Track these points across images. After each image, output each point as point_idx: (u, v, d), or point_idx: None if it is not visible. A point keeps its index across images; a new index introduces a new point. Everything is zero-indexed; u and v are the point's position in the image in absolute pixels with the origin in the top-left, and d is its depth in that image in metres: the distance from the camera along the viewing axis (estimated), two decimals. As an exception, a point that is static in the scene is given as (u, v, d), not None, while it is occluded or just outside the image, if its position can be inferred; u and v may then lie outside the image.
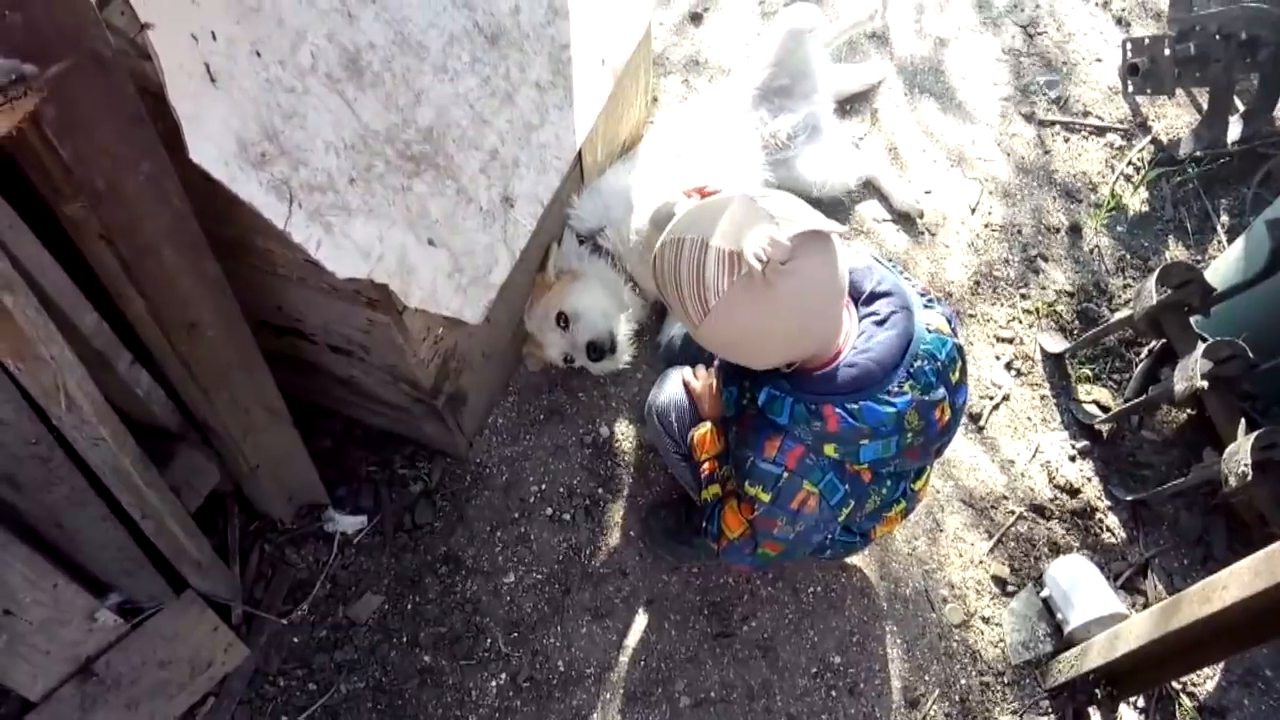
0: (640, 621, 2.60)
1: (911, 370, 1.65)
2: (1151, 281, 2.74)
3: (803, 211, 1.58)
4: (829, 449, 1.66)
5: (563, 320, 2.71)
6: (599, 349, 2.65)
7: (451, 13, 1.96)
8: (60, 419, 1.61)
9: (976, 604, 2.73)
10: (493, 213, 2.03)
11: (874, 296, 1.74)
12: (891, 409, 1.62)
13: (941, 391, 1.73)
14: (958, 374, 1.80)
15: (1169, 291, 2.74)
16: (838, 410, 1.61)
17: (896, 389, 1.63)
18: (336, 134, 1.78)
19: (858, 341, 1.67)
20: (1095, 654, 2.46)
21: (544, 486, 2.80)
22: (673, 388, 2.40)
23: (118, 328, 1.85)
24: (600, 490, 2.80)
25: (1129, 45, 3.57)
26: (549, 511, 2.75)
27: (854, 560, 2.73)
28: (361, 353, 2.31)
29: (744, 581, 2.68)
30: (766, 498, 1.72)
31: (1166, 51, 3.47)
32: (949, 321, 1.83)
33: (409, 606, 2.61)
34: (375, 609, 2.60)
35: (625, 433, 2.93)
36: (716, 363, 2.26)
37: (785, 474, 1.68)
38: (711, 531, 2.03)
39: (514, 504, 2.77)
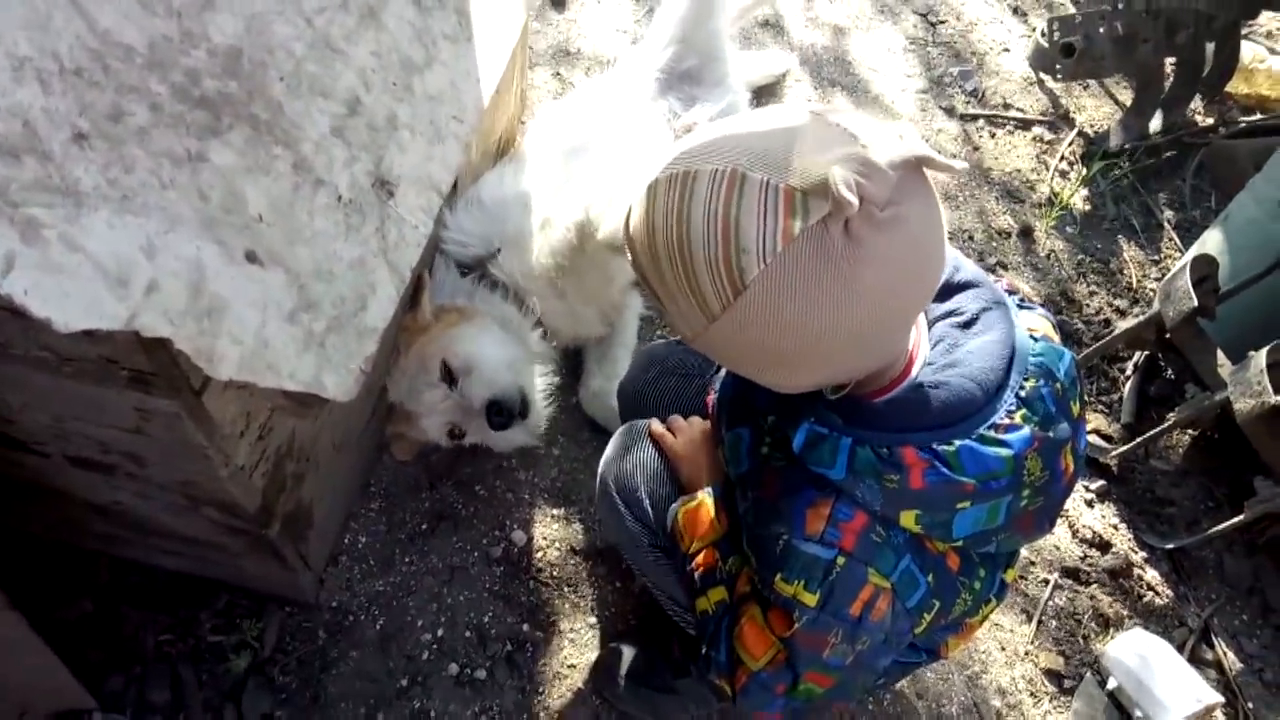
0: (611, 823, 1.75)
1: (1023, 394, 1.12)
2: (1186, 280, 2.23)
3: (892, 134, 0.95)
4: (907, 518, 1.10)
5: (447, 372, 1.85)
6: (506, 410, 1.81)
7: None
8: None
9: (1035, 712, 2.08)
10: (360, 205, 1.17)
11: (951, 288, 1.22)
12: (1006, 451, 1.08)
13: (1065, 427, 1.14)
14: (1078, 403, 1.21)
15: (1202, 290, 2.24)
16: (924, 455, 1.07)
17: (1006, 421, 1.10)
18: (39, 44, 0.88)
19: (934, 353, 1.15)
20: (1219, 769, 1.85)
21: (441, 632, 1.89)
22: (637, 448, 1.61)
23: None
24: (525, 627, 1.93)
25: (1056, 24, 3.16)
26: (454, 670, 1.85)
27: (879, 677, 2.01)
28: (130, 465, 1.37)
29: (745, 734, 1.88)
30: (811, 599, 1.14)
31: (1102, 29, 3.08)
32: (1055, 328, 1.27)
33: None
34: None
35: (550, 535, 2.08)
36: (713, 395, 1.50)
37: (840, 559, 1.11)
38: (719, 662, 1.31)
39: (398, 665, 1.85)
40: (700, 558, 1.38)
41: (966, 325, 1.16)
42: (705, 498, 1.43)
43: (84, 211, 0.88)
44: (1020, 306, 1.26)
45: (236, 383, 1.00)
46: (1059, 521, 2.41)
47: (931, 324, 1.20)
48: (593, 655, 1.90)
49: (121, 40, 0.95)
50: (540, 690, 1.85)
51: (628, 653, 1.85)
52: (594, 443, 2.23)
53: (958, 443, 1.07)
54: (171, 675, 1.78)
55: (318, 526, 1.79)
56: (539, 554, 2.04)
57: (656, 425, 1.61)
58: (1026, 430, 1.09)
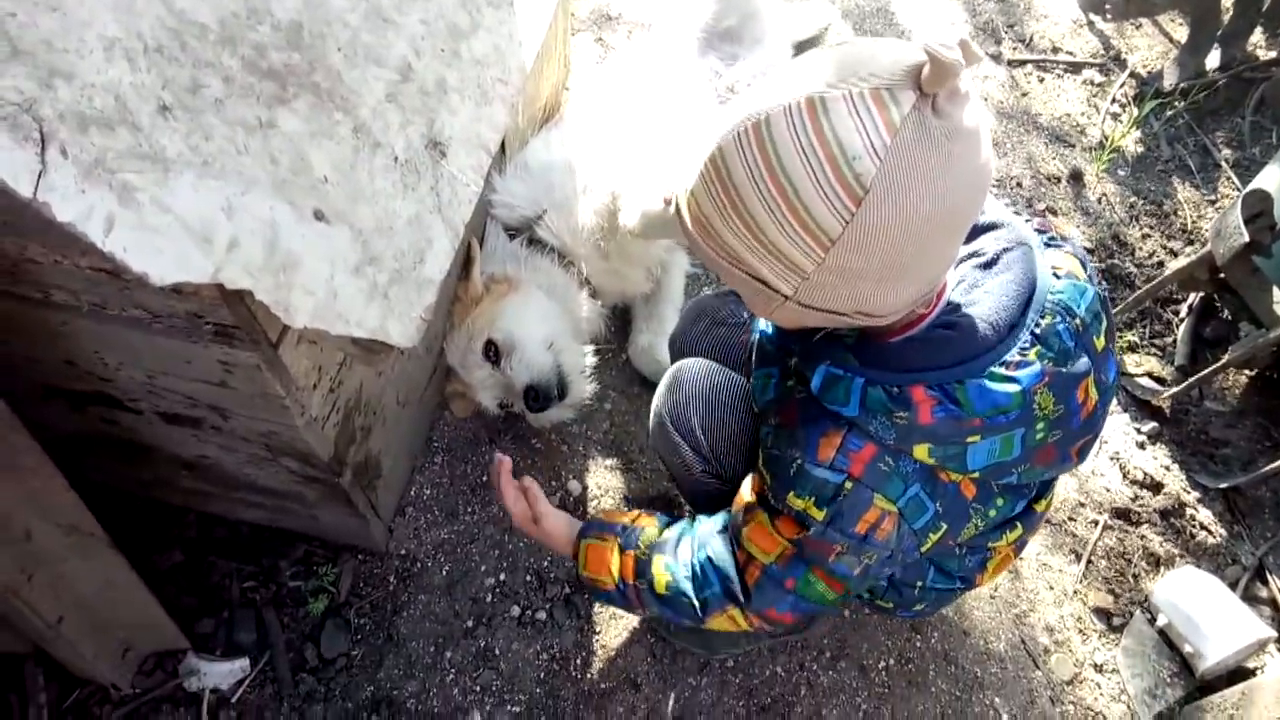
0: (669, 751, 1.84)
1: (1038, 331, 1.15)
2: (1237, 215, 2.21)
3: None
4: (920, 451, 1.15)
5: (493, 351, 1.94)
6: (543, 395, 1.90)
7: None
8: None
9: (1084, 649, 2.11)
10: (415, 165, 1.25)
11: (976, 230, 1.25)
12: (1014, 387, 1.11)
13: (1085, 362, 1.18)
14: (1103, 337, 1.24)
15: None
16: (932, 392, 1.12)
17: (1018, 358, 1.13)
18: (125, 25, 0.97)
19: (954, 294, 1.19)
20: (1270, 702, 1.86)
21: (503, 576, 2.00)
22: (689, 379, 1.67)
23: None
24: (583, 570, 2.02)
25: (1106, -37, 3.11)
26: (515, 611, 1.96)
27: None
28: (215, 418, 1.48)
29: (797, 668, 1.96)
30: (819, 515, 1.21)
31: (1153, -36, 3.01)
32: (1083, 265, 1.27)
33: (328, 786, 1.76)
34: (276, 799, 1.73)
35: (604, 484, 2.16)
36: (749, 336, 1.58)
37: (848, 484, 1.18)
38: (726, 574, 1.39)
39: (464, 608, 1.95)
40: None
41: (987, 266, 1.20)
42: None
43: (171, 176, 0.97)
44: (1048, 245, 1.27)
45: (311, 331, 1.09)
46: (1110, 464, 2.42)
47: (956, 265, 1.23)
48: (648, 596, 1.99)
49: (195, 19, 1.03)
50: (597, 630, 1.95)
51: (681, 591, 1.94)
52: (644, 397, 2.31)
53: (967, 380, 1.11)
54: (256, 619, 1.91)
55: (386, 478, 1.90)
56: (594, 502, 2.13)
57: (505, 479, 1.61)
58: (1037, 366, 1.12)
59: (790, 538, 1.27)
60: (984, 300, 1.16)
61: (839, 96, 0.92)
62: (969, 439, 1.14)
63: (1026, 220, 1.29)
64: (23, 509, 1.31)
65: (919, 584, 1.50)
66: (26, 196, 0.86)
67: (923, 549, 1.27)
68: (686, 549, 1.43)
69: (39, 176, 0.87)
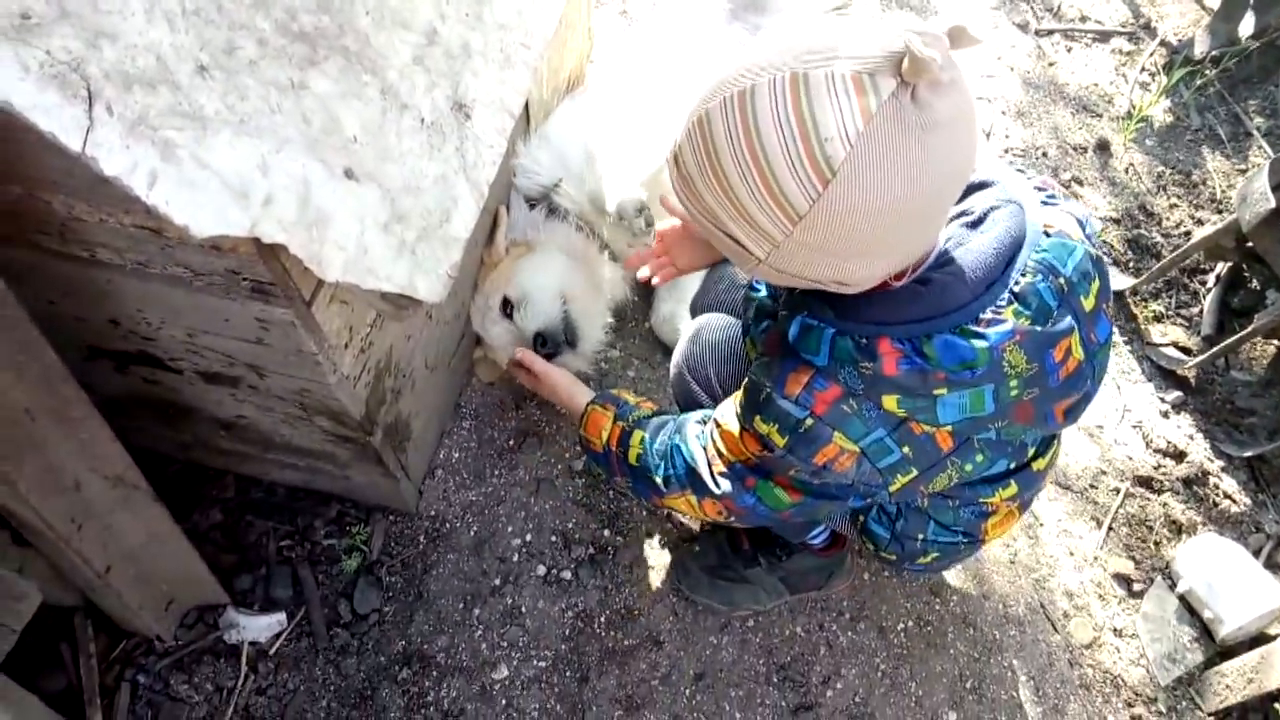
0: (691, 707, 1.88)
1: (1017, 289, 1.15)
2: (1264, 181, 2.19)
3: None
4: (889, 401, 1.17)
5: (508, 307, 1.99)
6: (551, 340, 1.95)
7: None
8: None
9: (1103, 614, 2.13)
10: (440, 126, 1.29)
11: (966, 189, 1.26)
12: (981, 343, 1.12)
13: (1068, 321, 1.17)
14: (1093, 297, 1.23)
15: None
16: (899, 345, 1.13)
17: (991, 315, 1.14)
18: (165, -9, 1.01)
19: (939, 252, 1.19)
20: (1288, 663, 1.87)
21: (529, 537, 2.05)
22: (707, 332, 1.76)
23: None
24: (606, 532, 2.07)
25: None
26: (541, 571, 2.01)
27: (948, 577, 2.09)
28: (252, 376, 1.53)
29: (816, 629, 1.99)
30: (781, 442, 1.25)
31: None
32: (1081, 224, 1.27)
33: (362, 735, 1.83)
34: (312, 746, 1.80)
35: (627, 450, 2.20)
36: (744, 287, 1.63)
37: (809, 420, 1.20)
38: (690, 455, 1.47)
39: (491, 567, 2.01)
40: None
41: (975, 224, 1.20)
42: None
43: (209, 133, 1.02)
44: (1045, 203, 1.27)
45: (343, 286, 1.14)
46: (1133, 433, 2.42)
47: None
48: (669, 557, 2.04)
49: (230, -17, 1.07)
50: (621, 588, 2.00)
51: (702, 548, 1.98)
52: (665, 365, 2.33)
53: (935, 335, 1.12)
54: (292, 575, 1.97)
55: (415, 440, 1.95)
56: (618, 466, 2.17)
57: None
58: (1009, 324, 1.12)
59: (754, 453, 1.33)
60: (962, 258, 1.16)
61: (821, 75, 0.94)
62: (936, 391, 1.15)
63: (1028, 179, 1.30)
64: (72, 460, 1.37)
65: (920, 536, 1.52)
66: (76, 151, 0.91)
67: (891, 489, 1.28)
68: (665, 431, 1.51)
69: (87, 132, 0.92)
